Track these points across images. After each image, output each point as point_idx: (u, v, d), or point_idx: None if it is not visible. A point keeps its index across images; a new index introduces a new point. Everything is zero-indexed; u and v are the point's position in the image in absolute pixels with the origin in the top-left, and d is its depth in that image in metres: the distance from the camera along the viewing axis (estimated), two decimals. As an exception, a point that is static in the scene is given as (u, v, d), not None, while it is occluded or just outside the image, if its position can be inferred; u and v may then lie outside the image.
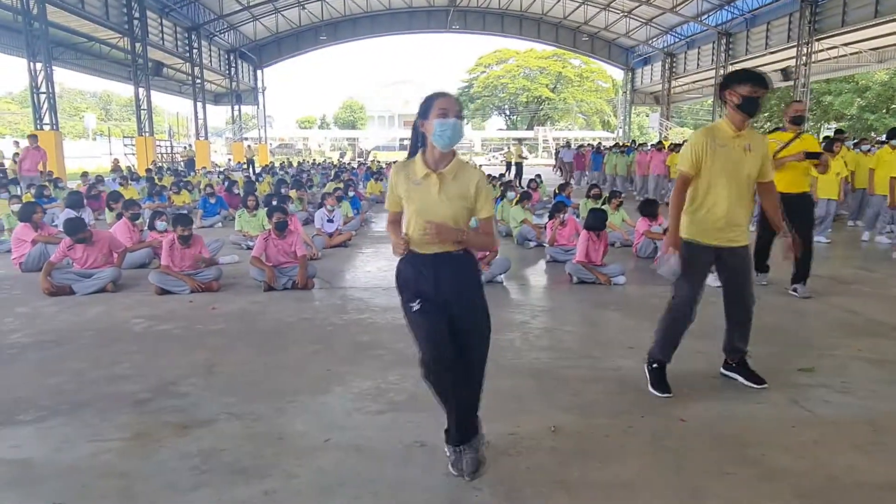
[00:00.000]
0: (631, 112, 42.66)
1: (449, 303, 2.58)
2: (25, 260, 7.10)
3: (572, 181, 20.12)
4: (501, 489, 2.56)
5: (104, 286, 6.11)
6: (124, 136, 33.31)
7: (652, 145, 18.06)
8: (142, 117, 23.44)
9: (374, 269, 7.35)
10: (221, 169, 25.43)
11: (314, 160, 36.97)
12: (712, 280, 6.18)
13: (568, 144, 25.73)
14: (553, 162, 29.69)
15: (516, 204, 9.27)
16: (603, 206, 8.20)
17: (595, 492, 2.56)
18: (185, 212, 10.51)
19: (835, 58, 23.76)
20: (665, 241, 3.68)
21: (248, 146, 32.60)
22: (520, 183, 18.84)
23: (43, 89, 17.03)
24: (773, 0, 23.83)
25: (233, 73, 34.43)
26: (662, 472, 2.70)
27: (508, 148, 36.73)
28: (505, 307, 5.61)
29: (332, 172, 21.02)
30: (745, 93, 3.31)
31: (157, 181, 15.40)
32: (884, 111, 33.91)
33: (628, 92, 40.00)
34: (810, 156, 5.60)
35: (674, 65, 34.03)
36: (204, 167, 25.19)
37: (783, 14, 23.44)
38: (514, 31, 37.21)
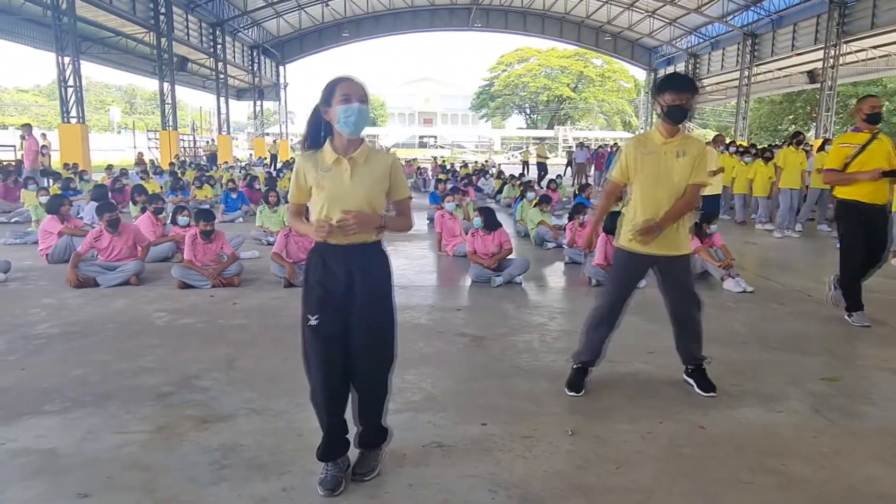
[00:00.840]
0: (653, 113, 42.27)
1: (355, 301, 2.52)
2: (52, 251, 7.23)
3: (591, 181, 19.99)
4: (517, 492, 2.57)
5: (128, 279, 6.20)
6: (148, 130, 33.74)
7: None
8: (166, 111, 23.73)
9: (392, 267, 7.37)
10: (243, 164, 25.64)
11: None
12: (733, 285, 6.17)
13: (581, 145, 25.57)
14: (564, 162, 29.48)
15: (535, 206, 9.25)
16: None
17: (612, 497, 2.55)
18: (207, 206, 10.63)
19: (863, 60, 23.35)
20: (582, 240, 3.73)
21: (274, 141, 32.87)
22: (540, 183, 18.76)
23: (70, 83, 17.30)
24: (800, 1, 23.45)
25: (255, 68, 34.69)
26: (680, 479, 2.69)
27: (526, 147, 36.64)
28: (523, 308, 5.61)
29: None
30: (669, 101, 3.28)
31: (180, 175, 15.58)
32: (912, 115, 33.26)
33: (651, 92, 39.66)
34: (888, 174, 4.75)
35: (697, 66, 33.68)
36: (226, 162, 25.44)
37: (811, 15, 23.05)
38: (537, 30, 37.04)
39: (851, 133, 5.08)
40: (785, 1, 24.49)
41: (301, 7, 31.89)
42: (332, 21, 34.80)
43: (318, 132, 2.53)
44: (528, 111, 69.03)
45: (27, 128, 15.05)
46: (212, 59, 28.82)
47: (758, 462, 2.83)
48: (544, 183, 17.81)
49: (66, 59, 17.17)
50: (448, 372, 3.94)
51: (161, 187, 13.74)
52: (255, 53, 34.51)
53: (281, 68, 38.41)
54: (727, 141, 13.74)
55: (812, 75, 25.06)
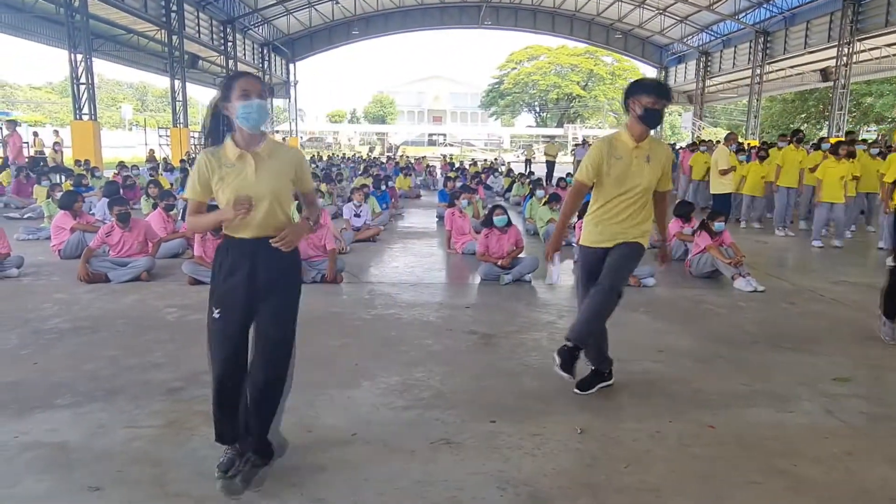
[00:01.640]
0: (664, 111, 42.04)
1: (259, 294, 2.47)
2: (64, 247, 7.28)
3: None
4: (526, 490, 2.56)
5: (139, 275, 6.24)
6: (159, 127, 33.92)
7: (682, 147, 17.69)
8: (177, 109, 23.88)
9: (401, 265, 7.39)
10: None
11: (343, 154, 37.28)
12: (744, 284, 6.13)
13: (584, 143, 25.46)
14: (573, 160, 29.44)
15: (545, 204, 9.23)
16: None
17: (621, 496, 2.55)
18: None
19: (876, 58, 23.14)
20: (548, 245, 3.72)
21: (284, 139, 32.98)
22: (549, 181, 18.71)
23: (83, 80, 17.43)
24: (813, -1, 23.29)
25: (266, 66, 34.82)
26: (689, 479, 2.68)
27: (531, 146, 36.53)
28: (532, 306, 5.60)
29: (361, 167, 21.15)
30: (647, 104, 3.26)
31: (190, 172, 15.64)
32: (926, 114, 32.97)
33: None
34: None
35: (709, 64, 33.47)
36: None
37: (824, 13, 22.86)
38: (547, 28, 36.95)
39: None
40: (798, -1, 24.31)
41: (311, 5, 31.98)
42: (342, 18, 34.89)
43: (218, 127, 2.51)
44: (537, 109, 68.82)
45: (11, 124, 15.24)
46: (222, 56, 28.94)
47: (767, 463, 2.81)
48: (554, 181, 17.76)
49: (79, 57, 17.29)
50: (457, 369, 3.94)
51: (171, 184, 13.80)
52: (265, 51, 34.65)
53: (291, 66, 38.53)
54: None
55: (825, 73, 24.86)
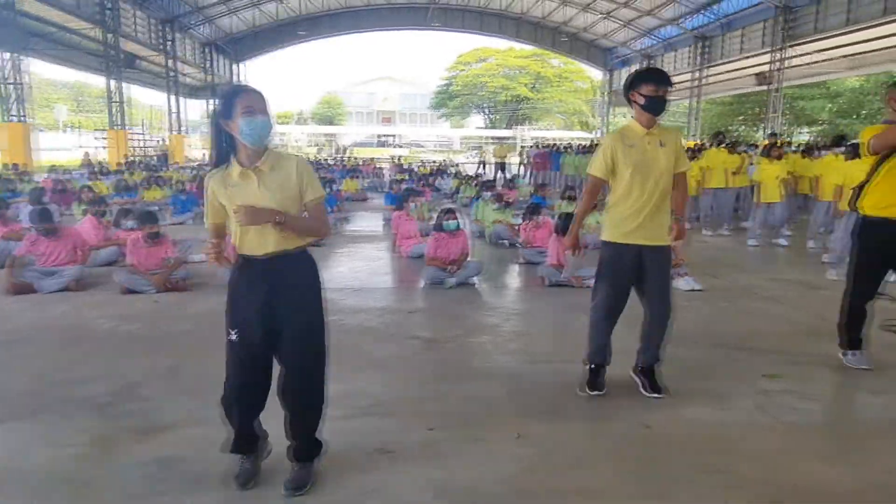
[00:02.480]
0: (610, 113, 42.97)
1: (278, 314, 2.46)
2: (-12, 256, 6.90)
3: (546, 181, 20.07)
4: (463, 498, 2.53)
5: (67, 284, 5.97)
6: (96, 129, 32.71)
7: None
8: (114, 110, 23.05)
9: (346, 270, 7.29)
10: (196, 164, 25.05)
11: (291, 156, 36.54)
12: (683, 284, 6.26)
13: (536, 145, 25.81)
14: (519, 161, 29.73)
15: (491, 204, 9.26)
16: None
17: (559, 499, 2.55)
18: (156, 208, 10.34)
19: (808, 64, 24.15)
20: (565, 240, 3.72)
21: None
22: (495, 181, 18.79)
23: (10, 79, 16.65)
24: (749, 6, 24.17)
25: (209, 66, 33.98)
26: (627, 480, 2.69)
27: (481, 147, 36.71)
28: (477, 310, 5.59)
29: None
30: (648, 92, 3.32)
31: (127, 177, 15.11)
32: (854, 117, 34.53)
33: (607, 93, 40.25)
34: None
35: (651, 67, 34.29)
36: (177, 163, 24.83)
37: (759, 20, 23.80)
38: (494, 30, 37.27)
39: (883, 125, 4.00)
40: (734, 5, 25.20)
41: (255, 4, 31.40)
42: (287, 18, 34.35)
43: (222, 145, 2.47)
44: (487, 111, 69.23)
45: None
46: (162, 56, 28.10)
47: (704, 461, 2.85)
48: (500, 183, 17.86)
49: (6, 55, 16.51)
50: (398, 376, 3.89)
51: (108, 189, 13.31)
52: (208, 51, 33.81)
53: (236, 66, 37.72)
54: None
55: (760, 77, 25.78)
